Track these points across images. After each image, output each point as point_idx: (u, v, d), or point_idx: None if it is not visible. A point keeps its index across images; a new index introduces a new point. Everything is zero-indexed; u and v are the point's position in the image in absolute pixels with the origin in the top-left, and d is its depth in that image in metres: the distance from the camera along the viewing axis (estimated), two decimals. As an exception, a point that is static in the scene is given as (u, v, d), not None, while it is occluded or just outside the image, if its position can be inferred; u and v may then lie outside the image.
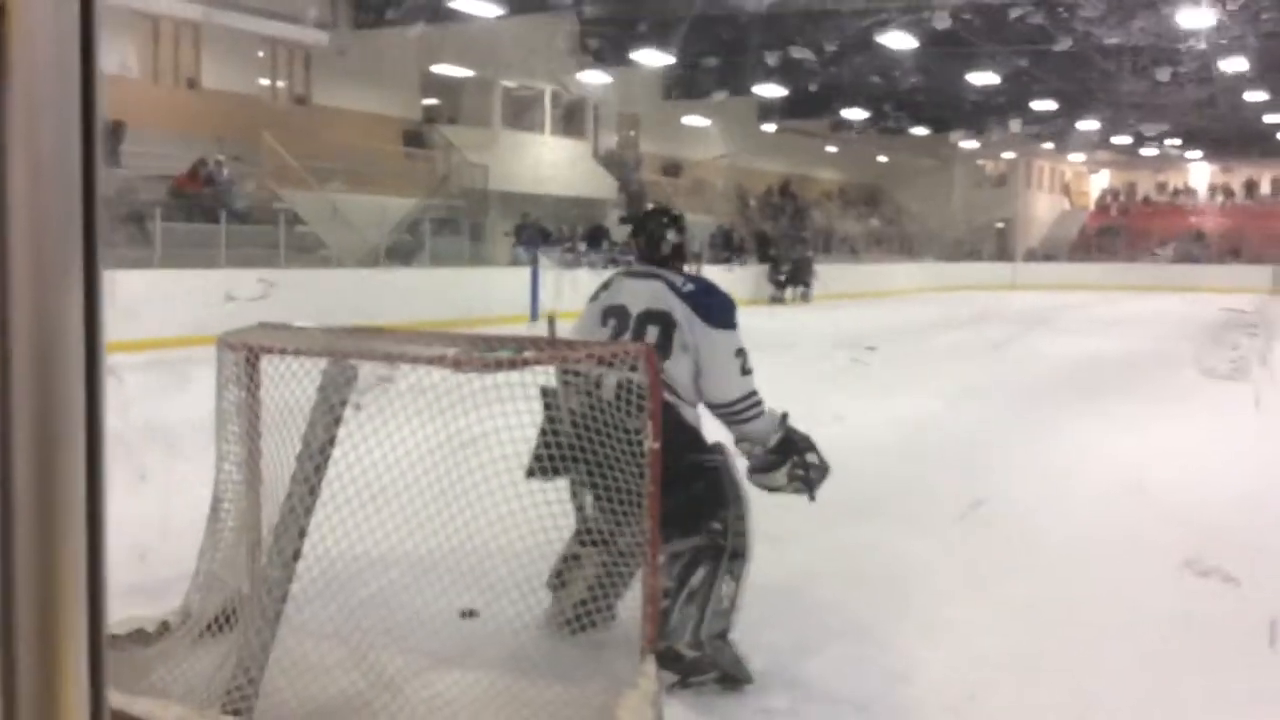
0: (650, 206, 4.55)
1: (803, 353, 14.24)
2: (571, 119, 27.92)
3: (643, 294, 3.85)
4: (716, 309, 3.82)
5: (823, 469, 3.87)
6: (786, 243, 29.19)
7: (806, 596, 4.60)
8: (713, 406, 3.85)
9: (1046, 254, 42.29)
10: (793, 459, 3.82)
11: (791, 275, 27.31)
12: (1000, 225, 43.05)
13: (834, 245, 32.92)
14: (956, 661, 3.97)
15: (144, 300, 11.66)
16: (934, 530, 5.72)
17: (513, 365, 2.95)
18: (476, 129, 24.68)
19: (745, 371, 3.82)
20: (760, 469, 3.88)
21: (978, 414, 9.82)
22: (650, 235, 4.03)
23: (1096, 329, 19.64)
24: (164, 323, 12.50)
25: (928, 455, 7.83)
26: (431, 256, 20.29)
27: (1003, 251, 41.65)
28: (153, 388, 8.43)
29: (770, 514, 4.13)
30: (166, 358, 10.87)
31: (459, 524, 3.20)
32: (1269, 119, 33.05)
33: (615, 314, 3.87)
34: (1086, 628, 4.32)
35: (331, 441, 2.98)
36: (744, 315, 4.00)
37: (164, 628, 3.47)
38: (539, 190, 25.20)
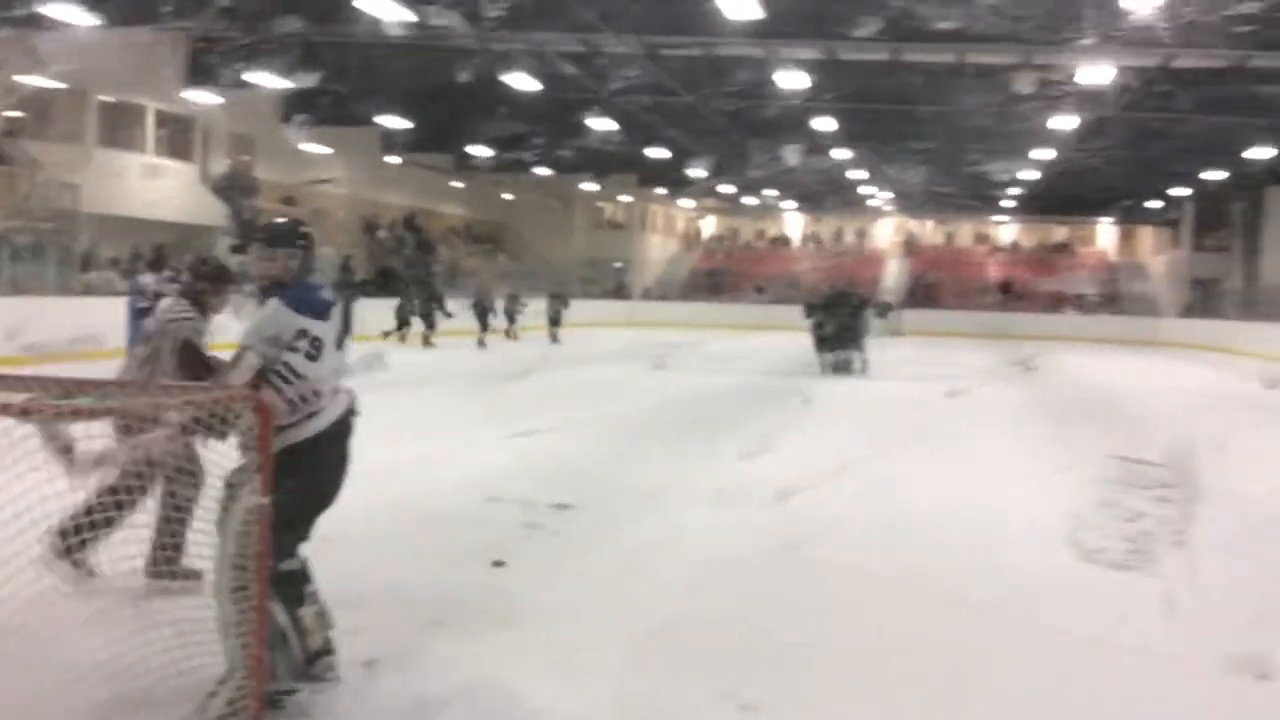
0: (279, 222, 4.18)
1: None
2: (178, 139, 26.08)
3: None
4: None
5: None
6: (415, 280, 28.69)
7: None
8: None
9: (661, 293, 44.43)
10: None
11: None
12: (618, 265, 44.80)
13: (459, 281, 32.73)
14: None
15: None
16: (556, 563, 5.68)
17: (93, 415, 2.52)
18: (67, 145, 22.45)
19: None
20: None
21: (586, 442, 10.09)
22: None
23: (706, 365, 20.69)
24: None
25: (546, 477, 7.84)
26: (11, 284, 18.17)
27: (620, 290, 43.35)
28: None
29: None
30: None
31: None
32: (851, 174, 36.59)
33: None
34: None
35: None
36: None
37: None
38: (141, 214, 23.27)
